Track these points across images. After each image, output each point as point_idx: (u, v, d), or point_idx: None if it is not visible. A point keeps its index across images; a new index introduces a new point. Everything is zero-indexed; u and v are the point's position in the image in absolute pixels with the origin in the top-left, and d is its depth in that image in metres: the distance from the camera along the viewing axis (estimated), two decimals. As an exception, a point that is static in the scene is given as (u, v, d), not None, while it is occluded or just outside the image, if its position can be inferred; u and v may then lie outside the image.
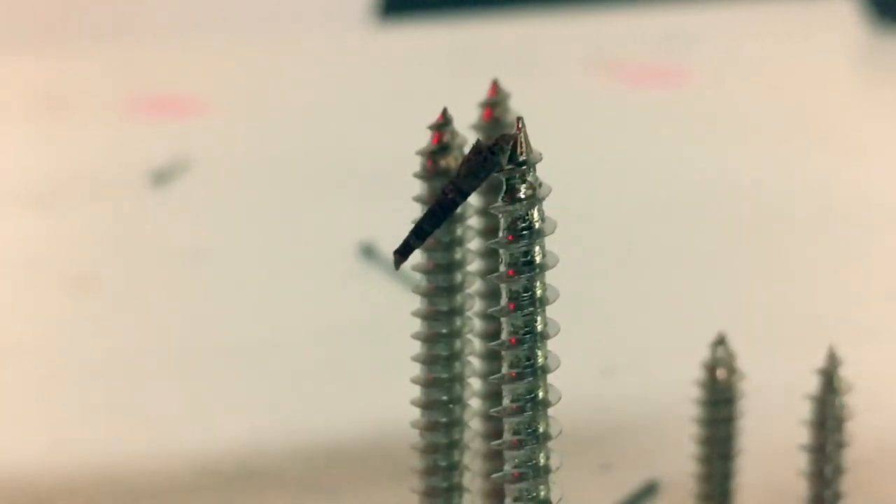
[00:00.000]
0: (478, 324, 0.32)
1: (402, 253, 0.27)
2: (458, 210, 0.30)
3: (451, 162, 0.29)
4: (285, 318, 0.58)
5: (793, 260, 0.65)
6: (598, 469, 0.43)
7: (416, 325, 0.30)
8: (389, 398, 0.40)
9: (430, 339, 0.30)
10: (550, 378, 0.26)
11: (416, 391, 0.30)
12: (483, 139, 0.27)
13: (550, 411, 0.26)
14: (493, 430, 0.33)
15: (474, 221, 0.31)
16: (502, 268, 0.26)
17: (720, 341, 0.36)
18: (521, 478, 0.26)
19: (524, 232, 0.25)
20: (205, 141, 0.88)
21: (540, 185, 0.25)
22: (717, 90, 1.00)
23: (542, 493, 0.26)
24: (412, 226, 0.27)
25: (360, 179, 0.78)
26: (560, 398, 0.26)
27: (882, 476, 0.41)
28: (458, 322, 0.30)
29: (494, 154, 0.25)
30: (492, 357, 0.32)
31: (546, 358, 0.26)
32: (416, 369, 0.30)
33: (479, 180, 0.26)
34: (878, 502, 0.40)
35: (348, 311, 0.59)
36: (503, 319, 0.26)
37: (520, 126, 0.25)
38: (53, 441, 0.47)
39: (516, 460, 0.26)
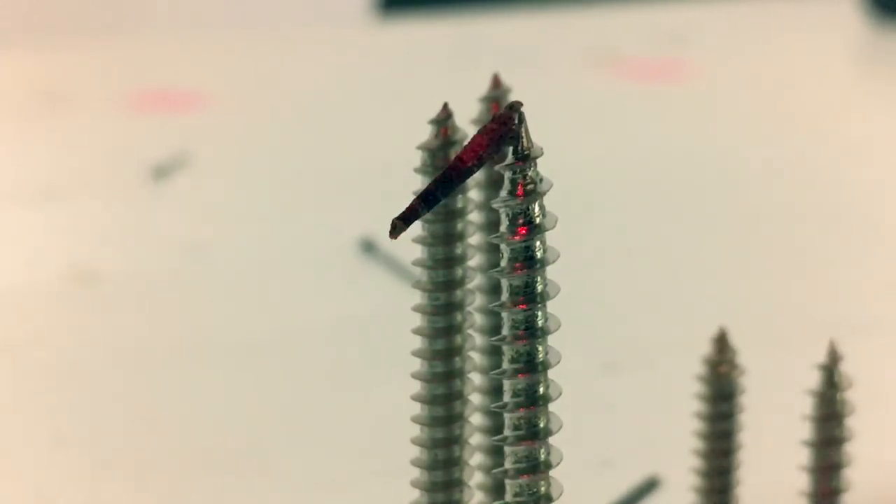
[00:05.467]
0: (478, 319, 0.32)
1: (406, 220, 0.26)
2: (459, 205, 0.30)
3: (453, 156, 0.29)
4: (285, 313, 0.58)
5: (794, 254, 0.65)
6: (599, 465, 0.43)
7: (417, 319, 0.30)
8: (390, 393, 0.40)
9: (430, 334, 0.30)
10: (551, 373, 0.26)
11: (416, 386, 0.30)
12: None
13: (551, 407, 0.26)
14: (494, 426, 0.33)
15: (475, 216, 0.31)
16: (503, 263, 0.26)
17: (721, 336, 0.36)
18: (521, 473, 0.26)
19: (524, 227, 0.25)
20: (205, 136, 0.88)
21: (541, 179, 0.25)
22: (718, 86, 1.00)
23: (543, 489, 0.26)
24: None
25: (360, 174, 0.78)
26: (561, 393, 0.26)
27: (883, 472, 0.41)
28: (459, 317, 0.30)
29: (516, 113, 0.25)
30: (493, 352, 0.32)
31: (547, 353, 0.26)
32: (417, 364, 0.30)
33: (499, 148, 0.25)
34: (879, 498, 0.40)
35: (349, 306, 0.59)
36: (504, 315, 0.26)
37: (521, 120, 0.25)
38: (54, 435, 0.47)
39: (517, 456, 0.26)
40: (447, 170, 0.26)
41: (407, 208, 0.26)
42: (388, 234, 0.25)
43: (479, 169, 0.26)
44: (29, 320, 0.58)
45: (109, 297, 0.60)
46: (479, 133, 0.26)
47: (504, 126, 0.25)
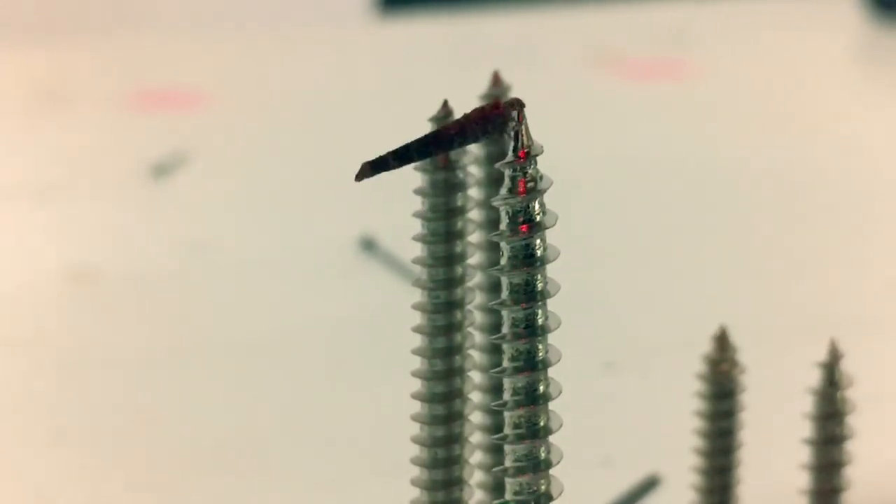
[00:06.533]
0: (479, 317, 0.32)
1: (375, 167, 0.26)
2: (459, 203, 0.30)
3: (451, 155, 0.29)
4: (285, 312, 0.58)
5: (794, 252, 0.65)
6: (599, 463, 0.43)
7: (417, 318, 0.30)
8: (390, 391, 0.40)
9: (430, 332, 0.30)
10: (551, 372, 0.26)
11: (416, 384, 0.30)
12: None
13: (551, 405, 0.26)
14: (494, 424, 0.33)
15: (475, 214, 0.31)
16: (503, 261, 0.26)
17: (721, 335, 0.36)
18: (521, 472, 0.26)
19: (524, 225, 0.25)
20: (205, 134, 0.88)
21: (541, 177, 0.25)
22: (718, 84, 1.00)
23: (543, 488, 0.26)
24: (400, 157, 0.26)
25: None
26: (561, 392, 0.26)
27: (883, 470, 0.41)
28: (459, 315, 0.30)
29: (515, 109, 0.25)
30: (493, 350, 0.32)
31: (547, 352, 0.26)
32: (417, 362, 0.30)
33: (485, 134, 0.26)
34: (880, 497, 0.40)
35: (348, 305, 0.58)
36: (504, 313, 0.26)
37: (521, 118, 0.25)
38: (54, 434, 0.47)
39: (517, 454, 0.26)
40: (431, 134, 0.26)
41: (379, 157, 0.26)
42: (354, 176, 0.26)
43: (460, 143, 0.26)
44: (28, 319, 0.58)
45: (109, 296, 0.60)
46: (472, 111, 0.26)
47: (497, 111, 0.25)
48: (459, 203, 0.30)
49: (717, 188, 0.75)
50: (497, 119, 0.25)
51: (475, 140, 0.26)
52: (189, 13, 1.42)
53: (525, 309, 0.26)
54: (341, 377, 0.51)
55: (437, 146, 0.26)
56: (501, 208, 0.25)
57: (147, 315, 0.58)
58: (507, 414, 0.26)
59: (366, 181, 0.26)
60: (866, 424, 0.36)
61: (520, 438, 0.26)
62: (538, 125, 0.27)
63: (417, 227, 0.30)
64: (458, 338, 0.30)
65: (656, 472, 0.42)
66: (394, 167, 0.26)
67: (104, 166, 0.82)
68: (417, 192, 0.30)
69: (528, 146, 0.25)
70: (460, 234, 0.30)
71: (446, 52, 1.11)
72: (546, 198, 0.25)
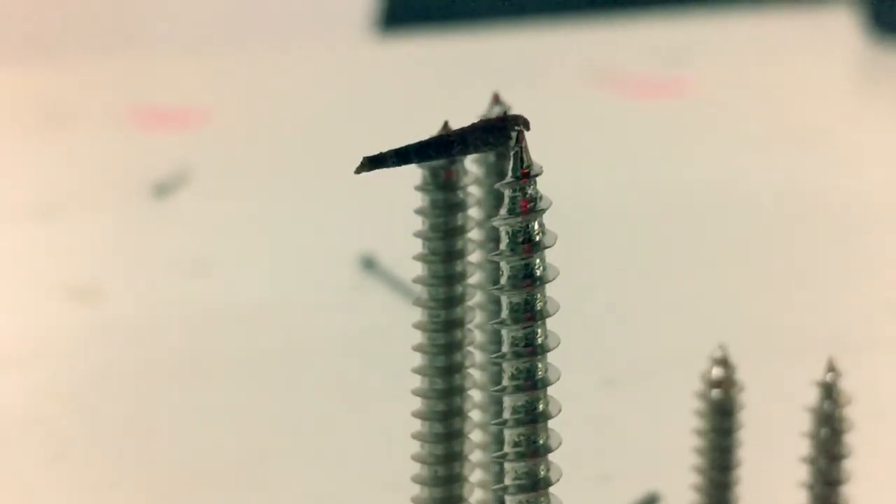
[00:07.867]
0: (478, 336, 0.32)
1: (373, 162, 0.27)
2: (459, 222, 0.30)
3: (452, 174, 0.30)
4: (286, 330, 0.58)
5: (793, 271, 0.65)
6: (599, 481, 0.43)
7: (417, 336, 0.30)
8: (390, 409, 0.40)
9: (430, 350, 0.30)
10: (551, 390, 0.26)
11: (417, 402, 0.30)
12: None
13: (551, 423, 0.26)
14: (494, 442, 0.33)
15: (475, 234, 0.31)
16: (503, 280, 0.26)
17: (720, 353, 0.36)
18: (521, 489, 0.26)
19: (524, 245, 0.25)
20: (206, 152, 0.88)
21: (540, 197, 0.25)
22: (717, 102, 1.00)
23: (543, 505, 0.26)
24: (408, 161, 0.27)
25: (360, 191, 0.78)
26: (560, 410, 0.26)
27: (881, 488, 0.41)
28: (459, 334, 0.30)
29: (519, 125, 0.25)
30: (492, 369, 0.33)
31: (546, 370, 0.26)
32: (417, 381, 0.30)
33: (486, 144, 0.26)
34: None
35: (349, 323, 0.59)
36: (504, 332, 0.26)
37: (521, 139, 0.25)
38: (54, 451, 0.47)
39: (517, 472, 0.26)
40: (433, 138, 0.26)
41: (379, 153, 0.26)
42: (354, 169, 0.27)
43: (460, 151, 0.26)
44: (30, 337, 0.58)
45: (110, 314, 0.60)
46: (478, 122, 0.26)
47: (501, 122, 0.26)
48: (459, 223, 0.30)
49: (716, 206, 0.75)
50: (499, 130, 0.26)
51: (476, 150, 0.26)
52: (190, 31, 1.42)
53: (525, 328, 0.26)
54: (342, 395, 0.52)
55: (436, 150, 0.26)
56: (501, 228, 0.26)
57: (148, 333, 0.58)
58: (506, 432, 0.26)
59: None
60: (864, 442, 0.36)
61: (519, 456, 0.26)
62: (538, 144, 0.27)
63: (418, 246, 0.30)
64: (458, 356, 0.30)
65: (655, 490, 0.42)
66: (391, 165, 0.26)
67: (106, 185, 0.82)
68: (418, 211, 0.30)
69: (528, 166, 0.25)
70: (460, 254, 0.30)
71: (447, 71, 1.11)
72: (545, 217, 0.26)
